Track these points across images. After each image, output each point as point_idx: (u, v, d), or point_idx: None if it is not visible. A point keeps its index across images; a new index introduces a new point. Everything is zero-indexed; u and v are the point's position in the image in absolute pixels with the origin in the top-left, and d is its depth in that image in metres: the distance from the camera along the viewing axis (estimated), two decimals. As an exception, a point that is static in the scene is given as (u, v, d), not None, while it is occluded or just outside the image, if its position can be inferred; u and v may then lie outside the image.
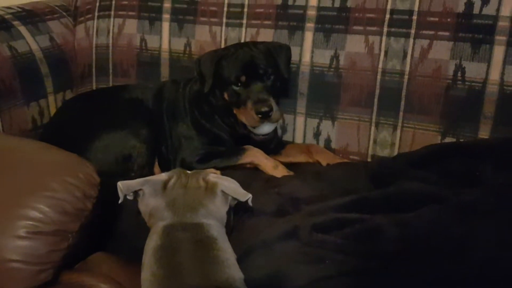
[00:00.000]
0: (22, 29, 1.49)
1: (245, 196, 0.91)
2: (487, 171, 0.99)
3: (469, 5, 1.19)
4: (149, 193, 0.87)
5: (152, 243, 0.82)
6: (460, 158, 1.04)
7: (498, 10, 1.17)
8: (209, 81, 1.24)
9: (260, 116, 1.17)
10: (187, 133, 1.32)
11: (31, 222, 0.77)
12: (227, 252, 0.82)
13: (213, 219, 0.86)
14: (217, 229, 0.85)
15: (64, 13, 1.66)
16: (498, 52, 1.17)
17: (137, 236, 1.00)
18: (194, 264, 0.78)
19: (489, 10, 1.18)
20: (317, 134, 1.40)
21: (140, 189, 0.88)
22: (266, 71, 1.21)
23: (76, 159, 0.86)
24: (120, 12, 1.59)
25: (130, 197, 0.88)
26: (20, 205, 0.77)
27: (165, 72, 1.53)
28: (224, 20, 1.46)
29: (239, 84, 1.21)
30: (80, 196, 0.80)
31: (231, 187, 0.91)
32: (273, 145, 1.36)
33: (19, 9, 1.55)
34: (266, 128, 1.23)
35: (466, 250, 0.80)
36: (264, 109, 1.16)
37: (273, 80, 1.22)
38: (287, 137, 1.44)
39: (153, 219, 0.86)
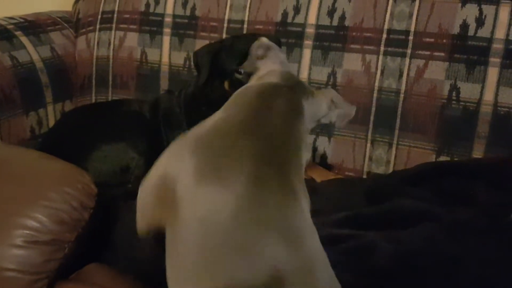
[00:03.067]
0: (24, 39, 1.51)
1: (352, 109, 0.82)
2: (480, 191, 1.01)
3: (464, 27, 1.22)
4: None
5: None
6: (454, 178, 1.07)
7: (492, 32, 1.19)
8: (206, 72, 1.24)
9: None
10: None
11: (28, 231, 0.77)
12: None
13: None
14: None
15: (66, 25, 1.68)
16: (492, 73, 1.20)
17: (132, 247, 1.01)
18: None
19: (484, 32, 1.20)
20: (313, 150, 1.41)
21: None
22: None
23: (74, 169, 0.87)
24: (122, 25, 1.61)
25: None
26: (17, 214, 0.78)
27: (164, 85, 1.55)
28: (224, 35, 1.48)
29: (242, 72, 1.21)
30: (78, 206, 0.81)
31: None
32: None
33: (22, 20, 1.56)
34: None
35: (459, 268, 0.82)
36: None
37: None
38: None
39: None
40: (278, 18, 1.42)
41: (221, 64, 1.24)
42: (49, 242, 0.78)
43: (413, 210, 1.00)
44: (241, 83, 1.20)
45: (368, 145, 1.33)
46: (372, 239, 0.89)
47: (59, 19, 1.67)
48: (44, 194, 0.80)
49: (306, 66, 1.39)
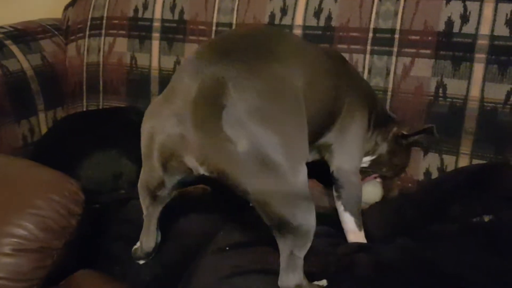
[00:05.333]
0: (14, 48, 1.52)
1: None
2: (456, 210, 1.09)
3: (449, 24, 1.23)
4: None
5: None
6: (431, 198, 1.16)
7: (477, 28, 1.20)
8: None
9: None
10: None
11: (15, 240, 0.78)
12: None
13: None
14: None
15: (56, 32, 1.69)
16: (478, 69, 1.20)
17: (124, 253, 1.02)
18: None
19: (469, 28, 1.21)
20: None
21: None
22: None
23: (61, 176, 0.88)
24: (111, 31, 1.62)
25: None
26: (5, 223, 0.78)
27: (155, 90, 1.55)
28: (213, 38, 1.49)
29: None
30: (65, 214, 0.82)
31: None
32: None
33: (11, 29, 1.57)
34: None
35: (436, 271, 0.86)
36: None
37: None
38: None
39: None
40: (266, 20, 1.43)
41: None
42: (37, 249, 0.79)
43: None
44: None
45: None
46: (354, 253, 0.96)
47: (49, 27, 1.68)
48: (31, 202, 0.81)
49: (294, 67, 1.39)
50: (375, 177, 1.24)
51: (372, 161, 1.18)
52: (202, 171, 0.80)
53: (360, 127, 1.09)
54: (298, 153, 0.81)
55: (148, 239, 0.98)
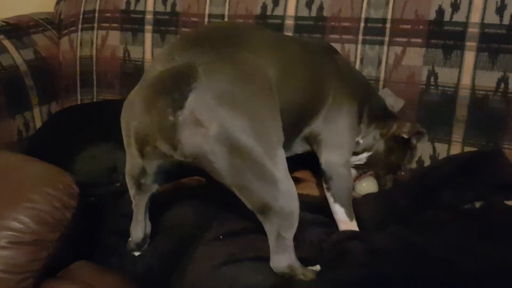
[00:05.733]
0: (7, 43, 1.52)
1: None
2: (448, 197, 1.12)
3: (440, 12, 1.23)
4: None
5: None
6: (423, 186, 1.18)
7: (467, 17, 1.21)
8: None
9: None
10: None
11: (11, 233, 0.79)
12: None
13: None
14: None
15: (49, 26, 1.68)
16: (469, 57, 1.21)
17: (120, 245, 1.03)
18: None
19: (459, 17, 1.22)
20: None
21: None
22: None
23: (55, 170, 0.89)
24: (103, 24, 1.62)
25: None
26: (1, 217, 0.79)
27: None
28: (205, 30, 1.49)
29: None
30: (59, 206, 0.83)
31: None
32: None
33: (4, 23, 1.57)
34: None
35: (427, 256, 0.88)
36: None
37: None
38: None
39: None
40: (258, 11, 1.43)
41: None
42: (32, 242, 0.80)
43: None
44: None
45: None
46: (346, 241, 0.98)
47: (41, 21, 1.68)
48: (26, 196, 0.82)
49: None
50: (370, 174, 1.24)
51: (369, 157, 1.17)
52: (176, 156, 0.81)
53: (348, 118, 1.08)
54: (271, 136, 0.82)
55: (136, 229, 0.99)
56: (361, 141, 1.15)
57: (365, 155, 1.17)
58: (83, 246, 1.02)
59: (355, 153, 1.15)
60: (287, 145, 1.00)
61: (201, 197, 1.18)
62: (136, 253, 1.00)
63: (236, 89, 0.79)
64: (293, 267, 0.87)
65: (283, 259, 0.86)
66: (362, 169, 1.21)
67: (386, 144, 1.16)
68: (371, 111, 1.15)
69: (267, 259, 0.88)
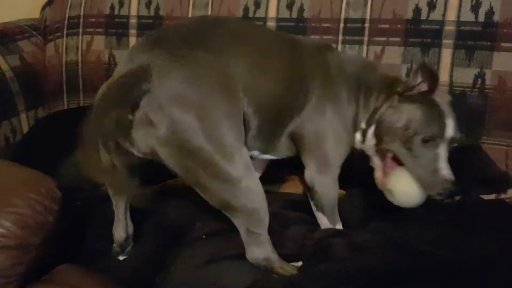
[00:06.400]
0: (-8, 49, 1.53)
1: None
2: None
3: (417, 11, 1.26)
4: None
5: None
6: None
7: (444, 15, 1.23)
8: None
9: None
10: None
11: (-5, 238, 0.80)
12: None
13: None
14: None
15: (34, 32, 1.69)
16: (446, 54, 1.24)
17: (105, 248, 1.05)
18: None
19: (436, 15, 1.24)
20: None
21: None
22: None
23: (37, 175, 0.90)
24: (88, 29, 1.63)
25: None
26: (-16, 222, 0.80)
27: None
28: (189, 33, 1.50)
29: None
30: (42, 210, 0.84)
31: None
32: None
33: (-11, 31, 1.58)
34: None
35: (406, 248, 0.91)
36: None
37: None
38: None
39: None
40: (240, 13, 1.45)
41: None
42: (15, 246, 0.81)
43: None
44: None
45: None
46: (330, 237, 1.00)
47: (27, 27, 1.69)
48: (9, 200, 0.83)
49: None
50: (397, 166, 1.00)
51: (376, 131, 1.01)
52: (136, 152, 0.86)
53: (333, 125, 1.01)
54: (226, 136, 0.83)
55: (118, 229, 1.01)
56: (363, 126, 1.03)
57: (371, 131, 1.02)
58: (68, 249, 1.03)
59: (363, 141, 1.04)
60: (271, 144, 1.01)
61: (185, 199, 1.19)
62: (121, 257, 1.02)
63: (186, 91, 0.81)
64: (270, 259, 0.89)
65: (258, 251, 0.88)
66: (381, 152, 1.01)
67: (391, 107, 0.99)
68: (369, 89, 1.03)
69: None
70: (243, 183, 0.84)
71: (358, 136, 1.05)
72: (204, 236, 1.00)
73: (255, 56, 0.93)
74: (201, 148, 0.81)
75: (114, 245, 1.02)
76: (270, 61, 0.97)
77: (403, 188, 0.98)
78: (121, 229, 1.00)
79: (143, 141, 0.82)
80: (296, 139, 1.04)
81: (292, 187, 1.29)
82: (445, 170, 0.94)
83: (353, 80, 1.04)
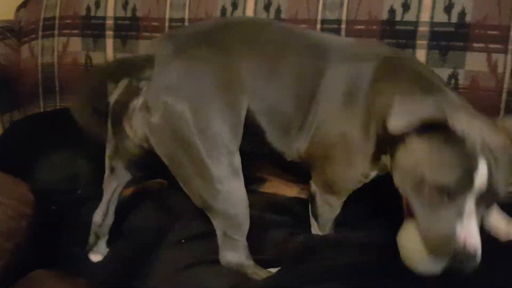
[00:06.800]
0: (-34, 52, 1.50)
1: None
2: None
3: (392, 12, 1.27)
4: None
5: None
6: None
7: (418, 16, 1.25)
8: None
9: None
10: None
11: (-34, 243, 0.79)
12: None
13: None
14: None
15: (8, 34, 1.67)
16: (420, 55, 1.25)
17: (81, 252, 1.04)
18: None
19: (410, 16, 1.26)
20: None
21: None
22: None
23: (9, 179, 0.89)
24: (64, 31, 1.61)
25: None
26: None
27: (110, 88, 1.56)
28: (167, 34, 1.50)
29: None
30: (14, 215, 0.83)
31: None
32: None
33: (-38, 32, 1.55)
34: None
35: (366, 246, 0.92)
36: None
37: None
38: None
39: None
40: (218, 14, 1.44)
41: None
42: (-13, 252, 0.80)
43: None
44: None
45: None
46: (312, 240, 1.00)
47: (1, 29, 1.66)
48: (-19, 206, 0.82)
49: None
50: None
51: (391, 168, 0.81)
52: (135, 138, 0.90)
53: (343, 150, 0.88)
54: (217, 136, 0.84)
55: (97, 213, 1.02)
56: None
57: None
58: (44, 254, 1.02)
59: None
60: (286, 146, 0.95)
61: (163, 201, 1.19)
62: (94, 258, 1.01)
63: (183, 82, 0.83)
64: (242, 265, 0.88)
65: (231, 256, 0.88)
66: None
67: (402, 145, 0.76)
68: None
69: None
70: (225, 185, 0.84)
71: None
72: (183, 240, 0.99)
73: (265, 60, 0.91)
74: (190, 142, 0.82)
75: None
76: (280, 68, 0.91)
77: (407, 246, 0.77)
78: (99, 213, 1.02)
79: (140, 127, 0.86)
80: (303, 155, 0.94)
81: (273, 188, 1.29)
82: (464, 234, 0.68)
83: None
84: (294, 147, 0.94)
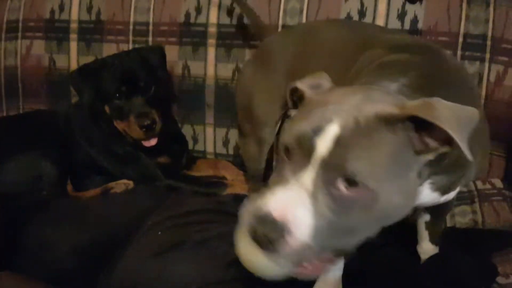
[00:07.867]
0: None
1: None
2: None
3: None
4: None
5: None
6: None
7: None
8: (87, 96, 1.29)
9: (144, 129, 1.24)
10: None
11: None
12: None
13: None
14: None
15: (-29, 37, 1.64)
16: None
17: (43, 252, 1.04)
18: None
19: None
20: (226, 143, 1.49)
21: None
22: (146, 83, 1.27)
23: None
24: (27, 34, 1.61)
25: None
26: None
27: (74, 91, 1.56)
28: (131, 37, 1.52)
29: (120, 97, 1.26)
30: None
31: None
32: (185, 160, 1.44)
33: None
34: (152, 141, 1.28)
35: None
36: (147, 122, 1.23)
37: (154, 91, 1.29)
38: (198, 146, 1.52)
39: None
40: (182, 19, 1.47)
41: (100, 86, 1.27)
42: None
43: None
44: (121, 108, 1.25)
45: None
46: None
47: (-38, 32, 1.64)
48: None
49: (211, 63, 1.45)
50: None
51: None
52: None
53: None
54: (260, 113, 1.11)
55: None
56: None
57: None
58: (6, 256, 1.02)
59: None
60: None
61: (129, 199, 1.21)
62: None
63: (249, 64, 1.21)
64: None
65: None
66: None
67: None
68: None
69: (191, 249, 0.95)
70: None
71: None
72: (160, 232, 1.02)
73: (308, 51, 1.04)
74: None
75: None
76: (333, 62, 0.90)
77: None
78: None
79: None
80: None
81: (238, 188, 1.31)
82: (281, 198, 0.59)
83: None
84: None
